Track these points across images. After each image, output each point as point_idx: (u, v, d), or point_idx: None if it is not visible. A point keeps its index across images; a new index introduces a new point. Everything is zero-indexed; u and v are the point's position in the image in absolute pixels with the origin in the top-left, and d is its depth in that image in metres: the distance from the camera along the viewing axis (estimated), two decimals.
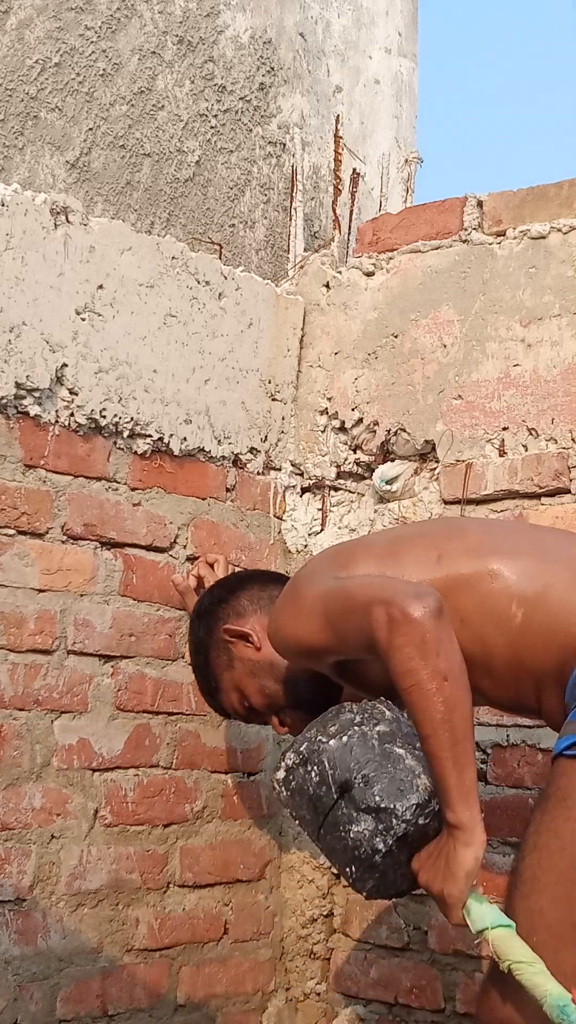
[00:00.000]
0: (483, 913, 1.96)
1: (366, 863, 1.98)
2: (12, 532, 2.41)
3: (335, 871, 2.87)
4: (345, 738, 2.02)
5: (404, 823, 1.96)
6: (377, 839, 1.97)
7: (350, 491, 2.98)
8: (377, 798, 1.97)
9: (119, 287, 2.59)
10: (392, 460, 2.89)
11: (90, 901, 2.48)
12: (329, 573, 2.15)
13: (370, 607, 1.98)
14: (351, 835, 1.98)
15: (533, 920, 1.93)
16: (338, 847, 2.01)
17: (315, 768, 2.02)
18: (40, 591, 2.44)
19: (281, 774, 2.06)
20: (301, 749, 2.04)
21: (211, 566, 2.68)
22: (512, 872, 2.00)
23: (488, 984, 2.00)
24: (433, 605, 1.95)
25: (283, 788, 2.07)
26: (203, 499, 2.77)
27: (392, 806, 1.96)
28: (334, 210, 3.21)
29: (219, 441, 2.79)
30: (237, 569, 2.80)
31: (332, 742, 2.02)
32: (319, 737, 2.04)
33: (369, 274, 2.97)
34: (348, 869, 2.01)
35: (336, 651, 2.11)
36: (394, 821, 1.96)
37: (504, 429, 2.73)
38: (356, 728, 2.03)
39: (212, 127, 3.03)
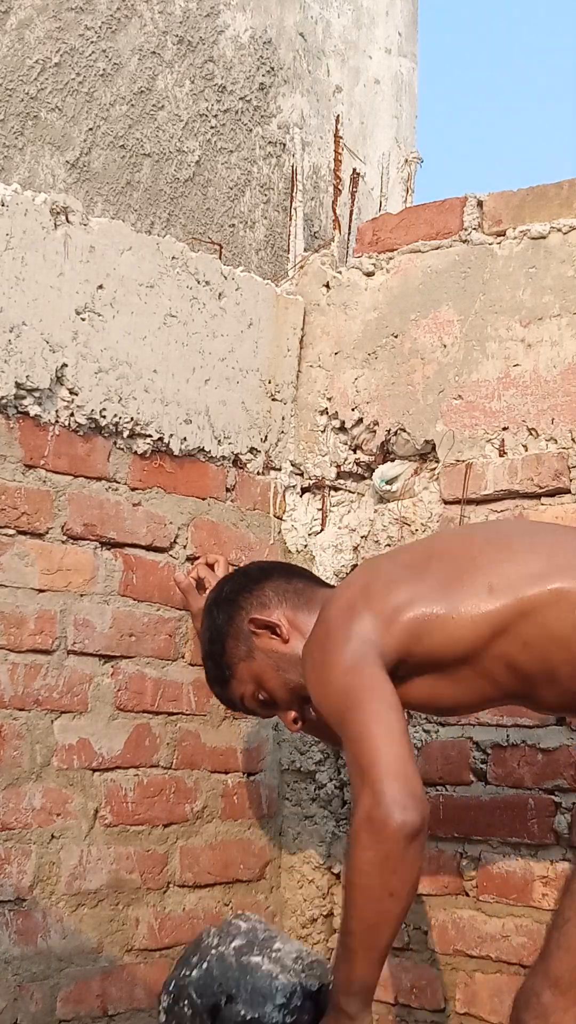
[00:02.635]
0: None
1: None
2: (12, 532, 2.41)
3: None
4: (205, 964, 2.13)
5: None
6: None
7: (350, 491, 2.98)
8: (243, 1012, 2.08)
9: (119, 287, 2.59)
10: (392, 460, 2.89)
11: (90, 901, 2.48)
12: (367, 615, 2.12)
13: (363, 774, 1.96)
14: None
15: None
16: None
17: (186, 1002, 2.13)
18: (40, 591, 2.44)
19: (162, 1017, 2.16)
20: (171, 988, 2.15)
21: (211, 567, 2.68)
22: None
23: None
24: (413, 824, 1.92)
25: None
26: (203, 499, 2.77)
27: (257, 1015, 2.07)
28: (334, 210, 3.21)
29: (219, 441, 2.79)
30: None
31: (194, 972, 2.13)
32: (183, 971, 2.15)
33: (369, 274, 2.97)
34: None
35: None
36: None
37: (504, 429, 2.73)
38: (214, 951, 2.14)
39: (212, 127, 3.03)
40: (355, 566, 2.92)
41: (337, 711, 2.05)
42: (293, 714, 2.42)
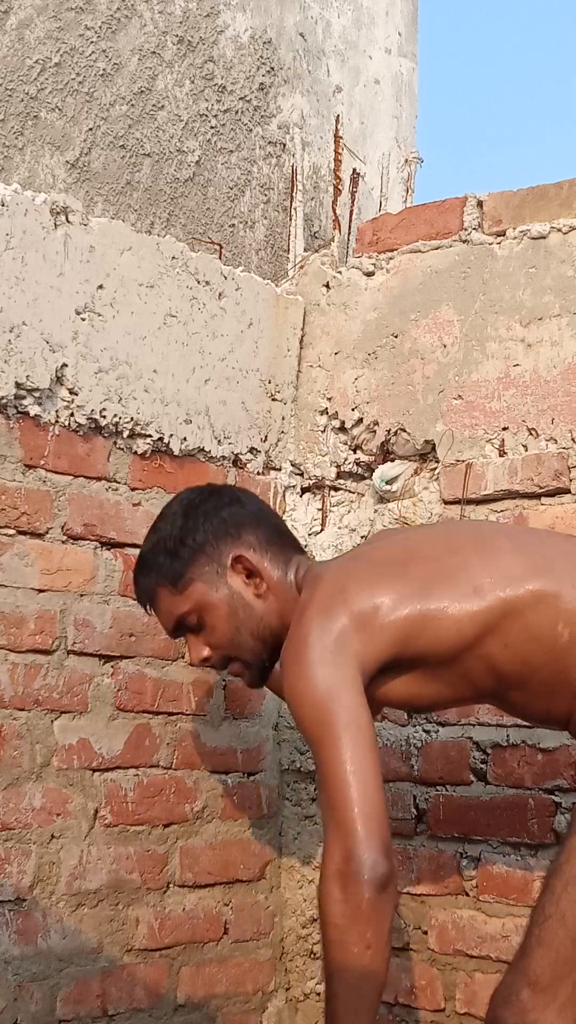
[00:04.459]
0: None
1: None
2: (12, 532, 2.41)
3: None
4: None
5: None
6: None
7: (350, 491, 2.98)
8: None
9: (119, 287, 2.59)
10: (392, 460, 2.89)
11: (90, 901, 2.48)
12: (347, 621, 2.08)
13: (335, 822, 1.95)
14: None
15: None
16: None
17: None
18: (40, 591, 2.44)
19: None
20: None
21: None
22: (557, 876, 1.98)
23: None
24: (384, 875, 1.93)
25: None
26: None
27: None
28: (334, 210, 3.21)
29: (219, 441, 2.79)
30: None
31: None
32: None
33: (369, 274, 2.97)
34: None
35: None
36: None
37: (504, 429, 2.73)
38: None
39: (212, 127, 3.03)
40: None
41: (312, 737, 2.04)
42: (207, 652, 2.30)
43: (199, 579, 2.27)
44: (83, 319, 2.52)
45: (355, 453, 2.96)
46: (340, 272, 3.03)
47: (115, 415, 2.57)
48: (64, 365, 2.48)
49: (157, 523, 2.35)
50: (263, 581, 2.28)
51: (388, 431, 2.89)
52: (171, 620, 2.31)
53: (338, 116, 3.33)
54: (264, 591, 2.28)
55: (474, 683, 2.13)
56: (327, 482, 2.98)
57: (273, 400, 2.95)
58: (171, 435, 2.68)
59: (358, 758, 1.99)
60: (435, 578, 2.12)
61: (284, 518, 2.97)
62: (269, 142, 3.21)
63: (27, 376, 2.41)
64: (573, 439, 2.64)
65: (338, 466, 2.98)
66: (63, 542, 2.49)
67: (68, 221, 2.49)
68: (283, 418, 2.97)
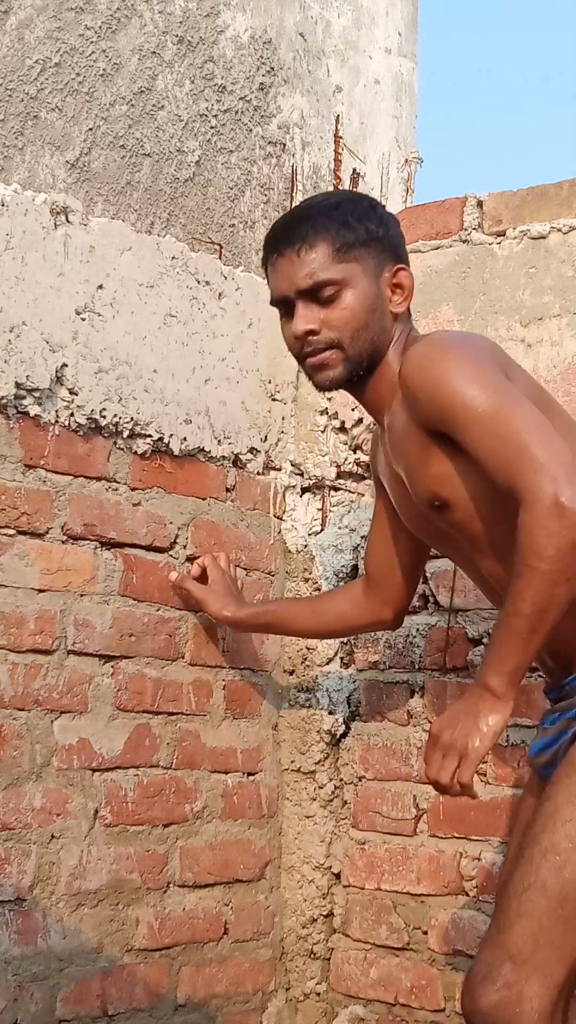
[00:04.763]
0: None
1: None
2: (12, 532, 2.41)
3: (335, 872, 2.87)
4: None
5: None
6: None
7: (350, 491, 2.98)
8: None
9: (119, 287, 2.59)
10: None
11: (90, 901, 2.48)
12: (497, 362, 2.08)
13: (537, 465, 1.95)
14: None
15: (567, 891, 1.93)
16: None
17: None
18: (40, 591, 2.44)
19: None
20: None
21: (213, 562, 2.69)
22: (534, 846, 1.98)
23: None
24: None
25: None
26: (203, 499, 2.77)
27: None
28: None
29: (219, 441, 2.79)
30: (238, 568, 2.80)
31: None
32: None
33: None
34: None
35: (466, 432, 2.04)
36: None
37: None
38: None
39: (212, 127, 3.03)
40: (355, 567, 2.92)
41: (486, 406, 2.01)
42: (316, 326, 2.19)
43: (363, 260, 2.20)
44: (83, 319, 2.52)
45: (355, 453, 2.96)
46: None
47: (115, 415, 2.57)
48: (64, 365, 2.48)
49: (338, 195, 2.30)
50: (404, 303, 2.24)
51: None
52: (310, 279, 2.19)
53: (338, 116, 3.33)
54: (401, 313, 2.24)
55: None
56: (327, 482, 2.98)
57: (273, 400, 2.95)
58: (171, 435, 2.68)
59: (540, 418, 2.01)
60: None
61: (284, 518, 2.97)
62: (269, 142, 3.21)
63: (27, 376, 2.41)
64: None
65: (338, 466, 2.98)
66: (63, 542, 2.49)
67: (68, 221, 2.49)
68: (283, 418, 2.97)
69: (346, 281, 2.19)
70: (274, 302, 2.26)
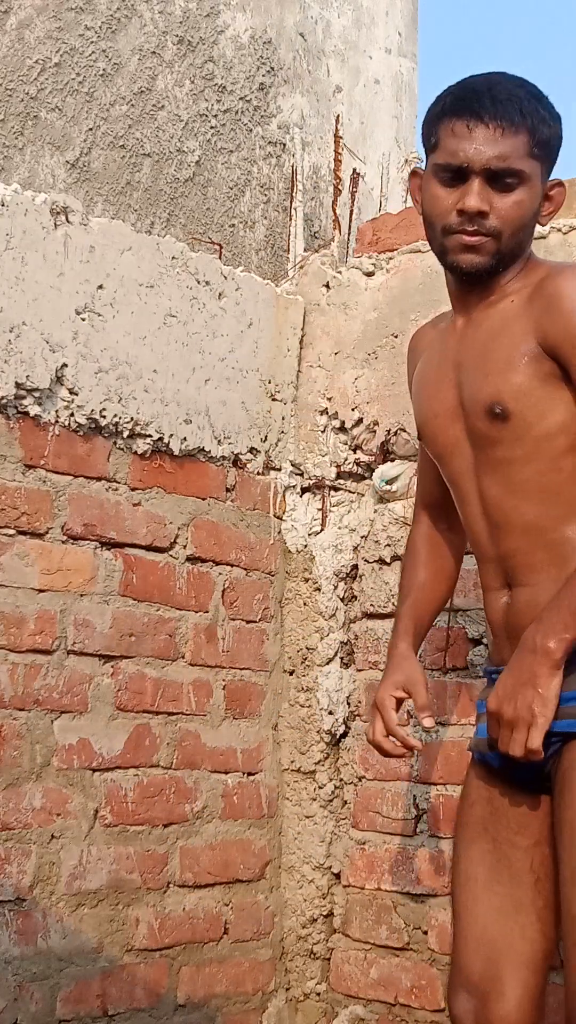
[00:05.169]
0: None
1: None
2: (12, 532, 2.41)
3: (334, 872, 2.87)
4: None
5: None
6: None
7: (350, 491, 2.98)
8: None
9: (119, 287, 2.59)
10: (392, 460, 2.89)
11: (90, 901, 2.48)
12: None
13: None
14: None
15: None
16: None
17: None
18: (40, 591, 2.44)
19: None
20: None
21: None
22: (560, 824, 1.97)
23: None
24: None
25: None
26: (203, 499, 2.77)
27: None
28: (334, 210, 3.21)
29: (219, 441, 2.79)
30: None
31: None
32: None
33: (369, 274, 2.97)
34: None
35: None
36: None
37: None
38: None
39: (212, 127, 3.03)
40: (355, 566, 2.92)
41: None
42: (488, 208, 2.13)
43: (543, 161, 2.15)
44: (83, 319, 2.52)
45: (355, 453, 2.96)
46: (340, 272, 3.02)
47: (115, 415, 2.57)
48: (64, 365, 2.48)
49: (529, 82, 2.21)
50: (548, 217, 2.21)
51: (388, 431, 2.89)
52: (504, 162, 2.11)
53: (338, 116, 3.33)
54: (544, 224, 2.22)
55: None
56: (327, 482, 2.98)
57: (273, 400, 2.95)
58: (171, 435, 2.68)
59: None
60: None
61: (284, 518, 2.97)
62: (269, 142, 3.21)
63: (27, 376, 2.41)
64: None
65: (338, 466, 2.98)
66: (63, 542, 2.49)
67: (68, 221, 2.49)
68: (283, 418, 2.97)
69: (527, 177, 2.13)
70: (443, 166, 2.16)
